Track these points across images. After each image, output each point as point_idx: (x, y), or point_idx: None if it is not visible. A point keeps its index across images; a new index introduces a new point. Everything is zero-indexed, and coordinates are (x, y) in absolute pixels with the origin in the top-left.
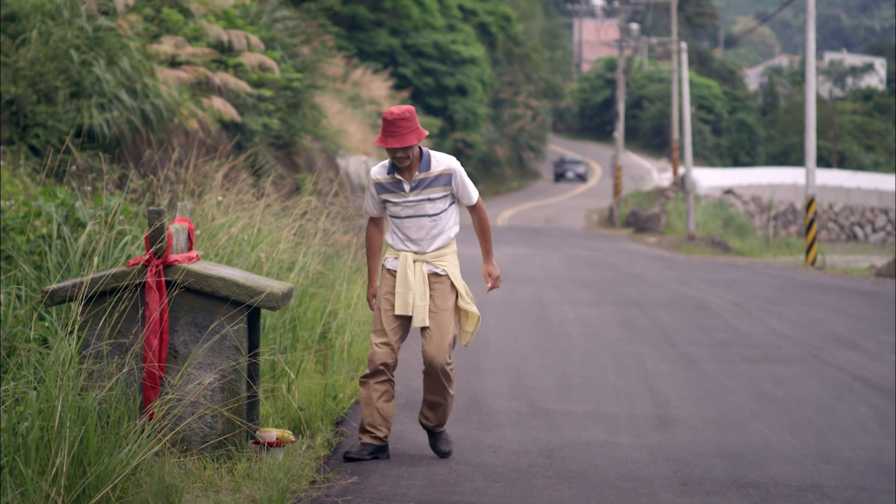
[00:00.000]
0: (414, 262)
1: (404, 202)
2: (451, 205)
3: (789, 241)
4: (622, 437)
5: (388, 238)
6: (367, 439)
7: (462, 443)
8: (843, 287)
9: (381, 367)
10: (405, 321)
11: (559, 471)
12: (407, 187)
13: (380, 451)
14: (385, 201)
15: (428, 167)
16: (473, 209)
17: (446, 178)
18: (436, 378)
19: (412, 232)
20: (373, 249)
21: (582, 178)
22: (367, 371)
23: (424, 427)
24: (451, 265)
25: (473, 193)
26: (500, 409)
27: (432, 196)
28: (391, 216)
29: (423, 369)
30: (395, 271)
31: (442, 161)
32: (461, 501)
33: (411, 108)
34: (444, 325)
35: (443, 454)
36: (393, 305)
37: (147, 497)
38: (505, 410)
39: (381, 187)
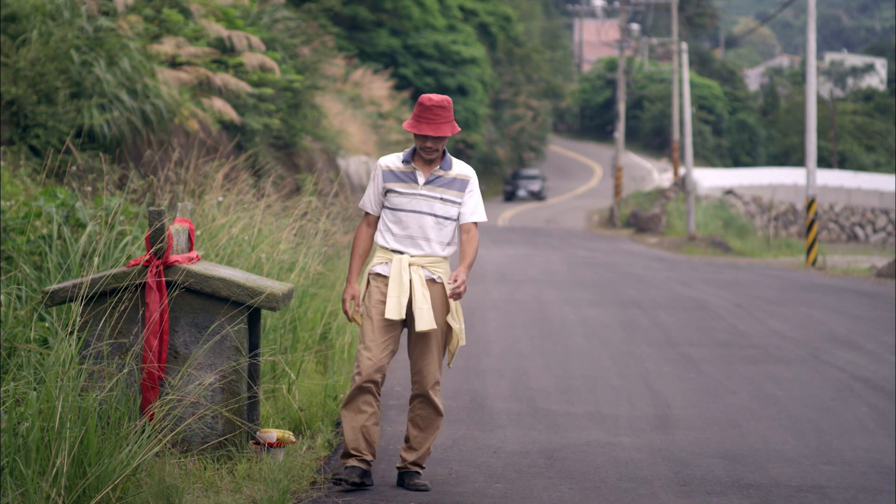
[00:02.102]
0: (409, 265)
1: (414, 194)
2: (456, 219)
3: (790, 242)
4: (623, 438)
5: (379, 238)
6: (353, 462)
7: (462, 443)
8: (843, 288)
9: (369, 385)
10: (397, 334)
11: (560, 471)
12: (421, 180)
13: (366, 475)
14: (389, 191)
15: (449, 167)
16: (468, 231)
17: (462, 184)
18: (423, 402)
19: (413, 229)
20: (359, 251)
21: (537, 195)
22: (353, 388)
23: (400, 469)
24: (445, 274)
25: (480, 211)
26: (501, 410)
27: (445, 196)
28: (391, 209)
29: (410, 394)
30: (385, 276)
31: (462, 167)
32: (462, 502)
33: (449, 98)
34: (436, 341)
35: (421, 489)
36: (383, 314)
37: (147, 498)
38: (505, 411)
39: (390, 174)
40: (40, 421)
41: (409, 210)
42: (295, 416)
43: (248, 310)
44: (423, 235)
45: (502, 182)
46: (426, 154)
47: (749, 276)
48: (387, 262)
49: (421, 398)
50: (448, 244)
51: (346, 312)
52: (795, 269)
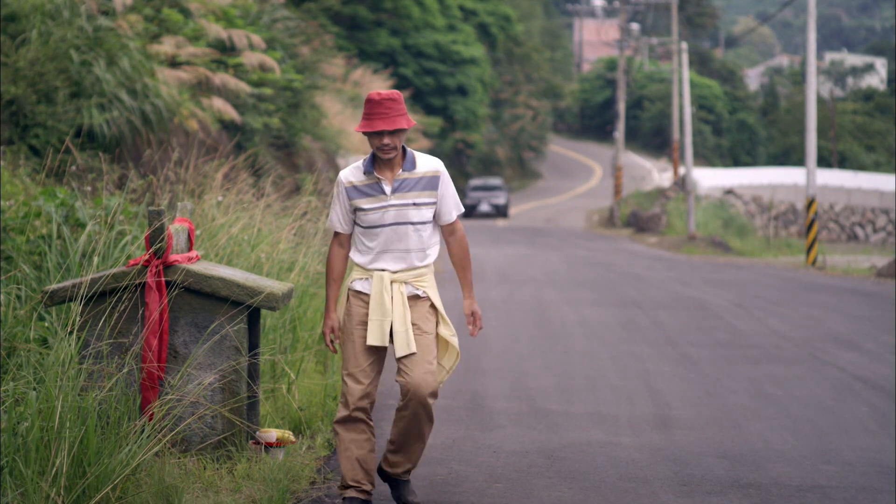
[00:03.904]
0: (391, 283)
1: (384, 207)
2: (433, 218)
3: (790, 242)
4: (623, 438)
5: (356, 256)
6: (352, 493)
7: (462, 443)
8: (843, 287)
9: (358, 414)
10: (381, 354)
11: (560, 471)
12: (388, 188)
13: None
14: (357, 209)
15: (413, 166)
16: (452, 231)
17: (432, 182)
18: (415, 414)
19: (391, 243)
20: (334, 275)
21: (501, 210)
22: (342, 416)
23: (385, 476)
24: (431, 287)
25: (458, 206)
26: (501, 410)
27: (417, 201)
28: (364, 226)
29: (398, 405)
30: (366, 294)
31: (428, 162)
32: (462, 502)
33: (399, 92)
34: (428, 348)
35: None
36: (366, 337)
37: (147, 497)
38: (505, 411)
39: (354, 191)
40: (40, 421)
41: (385, 225)
42: (295, 415)
43: (248, 309)
44: (404, 247)
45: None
46: (384, 153)
47: (749, 275)
48: (367, 279)
49: (410, 409)
50: (430, 248)
51: (327, 345)
52: (795, 269)
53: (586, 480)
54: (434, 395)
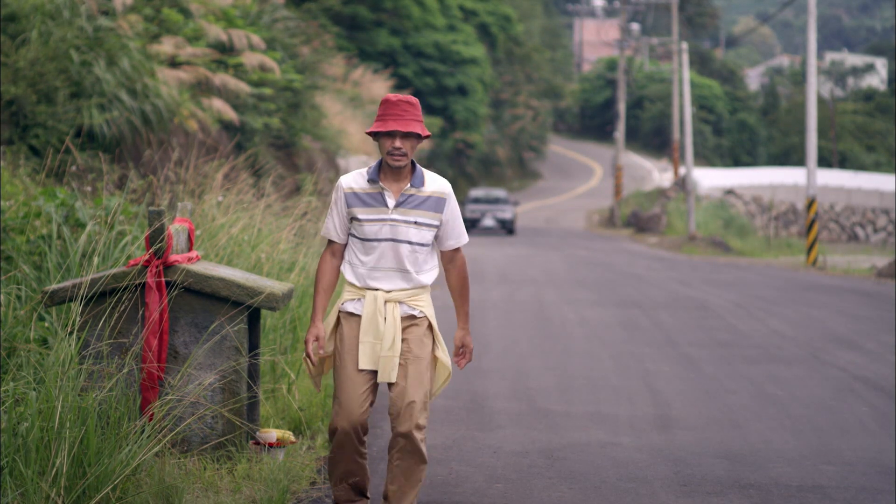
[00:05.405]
0: (385, 302)
1: (384, 220)
2: (433, 241)
3: (790, 242)
4: (623, 438)
5: (347, 271)
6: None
7: (462, 443)
8: (843, 287)
9: (352, 441)
10: (375, 382)
11: (560, 471)
12: (391, 202)
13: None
14: (354, 219)
15: (421, 183)
16: (452, 258)
17: (438, 203)
18: (405, 448)
19: (386, 260)
20: (324, 285)
21: (507, 226)
22: (334, 446)
23: None
24: (427, 306)
25: (463, 233)
26: (501, 410)
27: (420, 220)
28: (359, 238)
29: (390, 439)
30: (359, 316)
31: (436, 181)
32: (462, 502)
33: (417, 99)
34: (420, 374)
35: None
36: (358, 362)
37: (147, 498)
38: (505, 411)
39: (354, 198)
40: (40, 421)
41: (382, 239)
42: (295, 416)
43: (248, 310)
44: (399, 266)
45: (500, 181)
46: (394, 159)
47: (749, 275)
48: (359, 299)
49: (401, 444)
50: (428, 270)
51: (308, 355)
52: (796, 269)
53: (586, 480)
54: (419, 426)
